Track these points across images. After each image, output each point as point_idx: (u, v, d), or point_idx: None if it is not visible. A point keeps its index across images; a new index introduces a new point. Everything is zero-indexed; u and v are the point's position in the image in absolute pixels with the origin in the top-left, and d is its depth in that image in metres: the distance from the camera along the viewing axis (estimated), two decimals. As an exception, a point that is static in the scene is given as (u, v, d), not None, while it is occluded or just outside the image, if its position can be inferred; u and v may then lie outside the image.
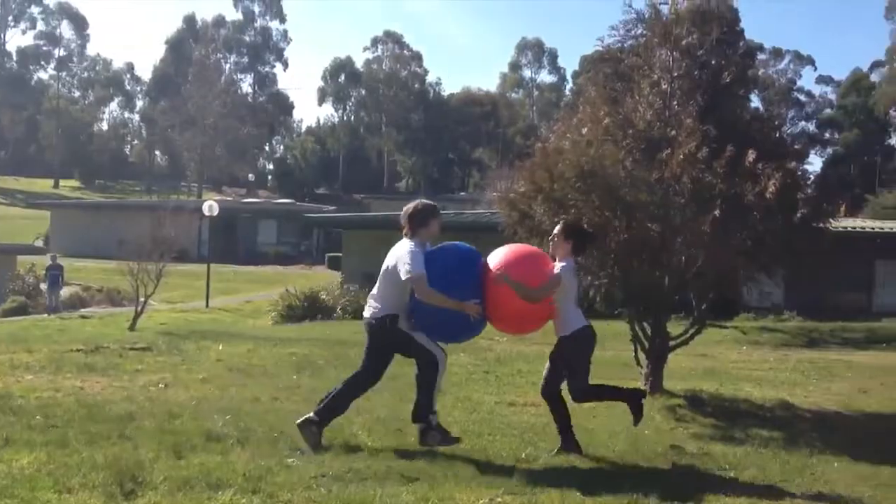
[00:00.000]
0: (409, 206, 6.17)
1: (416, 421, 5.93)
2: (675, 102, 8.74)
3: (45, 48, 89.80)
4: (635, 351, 8.83)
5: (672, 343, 8.76)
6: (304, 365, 10.44)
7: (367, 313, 6.09)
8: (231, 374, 9.52)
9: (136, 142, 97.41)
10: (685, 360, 10.86)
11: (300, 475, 4.96)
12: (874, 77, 72.60)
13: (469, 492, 4.82)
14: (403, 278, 5.76)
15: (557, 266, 5.94)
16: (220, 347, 11.73)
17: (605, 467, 5.66)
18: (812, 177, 9.46)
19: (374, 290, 6.09)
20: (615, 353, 12.12)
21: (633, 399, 6.13)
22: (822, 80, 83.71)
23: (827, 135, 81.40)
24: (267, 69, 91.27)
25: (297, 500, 4.54)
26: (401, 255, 5.87)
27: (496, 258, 6.08)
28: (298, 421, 5.86)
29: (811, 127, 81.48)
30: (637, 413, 6.07)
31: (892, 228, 25.11)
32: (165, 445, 5.54)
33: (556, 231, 6.20)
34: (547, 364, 6.26)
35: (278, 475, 4.95)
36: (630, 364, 9.11)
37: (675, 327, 8.97)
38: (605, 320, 11.39)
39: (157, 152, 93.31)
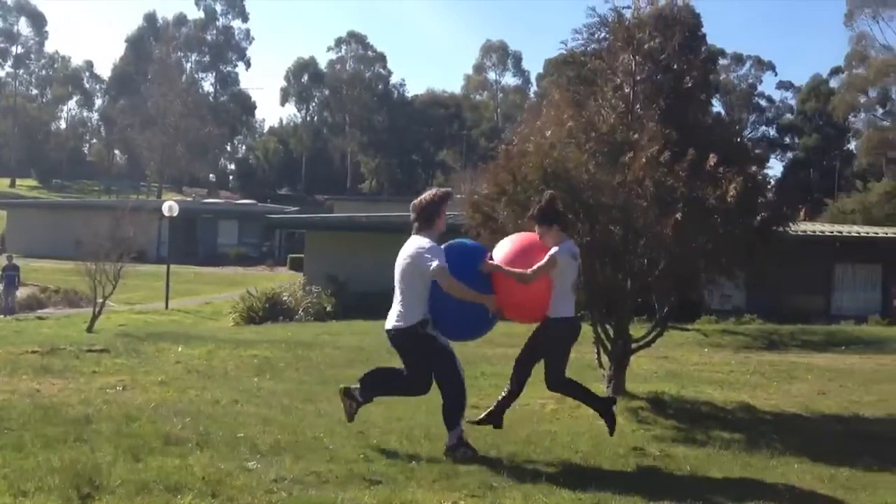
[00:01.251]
0: (415, 201, 6.05)
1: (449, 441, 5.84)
2: (637, 106, 8.79)
3: (1, 45, 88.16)
4: (598, 353, 8.86)
5: (634, 345, 8.81)
6: (265, 367, 10.35)
7: (393, 321, 5.92)
8: (190, 377, 9.39)
9: (94, 141, 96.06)
10: (647, 362, 10.94)
11: (260, 479, 4.89)
12: (833, 83, 73.75)
13: (432, 494, 4.79)
14: (431, 272, 5.66)
15: (553, 249, 5.93)
16: (180, 349, 11.58)
17: (568, 469, 5.66)
18: (772, 181, 9.60)
19: (398, 296, 5.93)
20: (578, 355, 12.16)
21: (606, 407, 6.16)
22: (783, 85, 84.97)
23: (787, 140, 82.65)
24: (229, 68, 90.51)
25: (258, 505, 4.48)
26: (418, 251, 5.78)
27: (504, 248, 6.12)
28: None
29: (771, 132, 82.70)
30: (610, 422, 6.13)
31: (850, 232, 25.58)
32: (123, 449, 5.43)
33: (535, 226, 6.16)
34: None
35: (238, 479, 4.87)
36: (593, 366, 9.13)
37: (637, 329, 9.02)
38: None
39: (117, 151, 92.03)
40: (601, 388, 8.69)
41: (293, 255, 38.16)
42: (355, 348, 12.66)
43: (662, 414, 7.96)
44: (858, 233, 25.91)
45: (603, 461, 5.99)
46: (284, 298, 22.14)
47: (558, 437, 6.75)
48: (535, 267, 5.83)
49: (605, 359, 8.81)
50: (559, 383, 6.16)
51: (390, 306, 6.01)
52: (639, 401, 8.35)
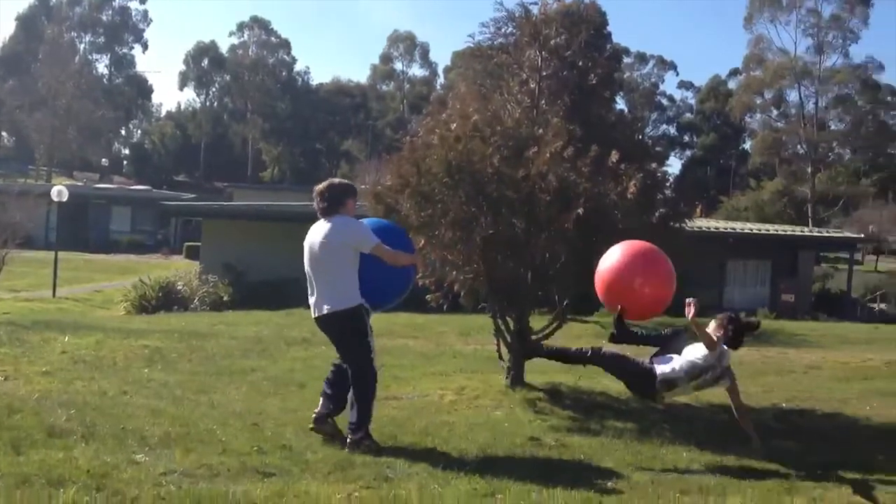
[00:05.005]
0: (323, 185, 6.08)
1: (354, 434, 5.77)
2: (542, 101, 8.87)
3: None
4: (498, 345, 8.92)
5: (534, 337, 8.89)
6: (155, 358, 10.04)
7: (325, 307, 5.84)
8: (77, 367, 9.03)
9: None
10: (546, 354, 11.05)
11: (148, 472, 4.72)
12: (731, 84, 76.45)
13: (326, 486, 4.71)
14: (369, 250, 5.75)
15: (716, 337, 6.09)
16: (66, 339, 11.11)
17: (465, 459, 5.66)
18: (671, 178, 9.84)
19: (325, 280, 5.85)
20: (478, 346, 12.28)
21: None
22: (684, 85, 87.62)
23: (686, 138, 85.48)
24: (125, 50, 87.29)
25: (145, 498, 4.31)
26: (344, 231, 5.82)
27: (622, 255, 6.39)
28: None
29: (672, 130, 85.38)
30: None
31: (742, 229, 26.61)
32: (4, 441, 5.16)
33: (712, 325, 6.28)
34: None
35: (125, 472, 4.69)
36: (493, 358, 9.20)
37: (538, 321, 9.12)
38: (469, 315, 11.55)
39: (4, 133, 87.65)
40: (500, 380, 8.77)
41: (189, 244, 37.23)
42: (252, 338, 12.41)
43: (559, 404, 8.08)
44: (751, 230, 27.01)
45: (499, 451, 6.02)
46: (179, 287, 21.56)
47: (456, 427, 6.77)
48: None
49: (504, 350, 8.88)
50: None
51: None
52: (537, 392, 8.45)
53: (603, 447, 6.38)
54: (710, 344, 5.99)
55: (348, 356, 5.95)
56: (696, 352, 6.12)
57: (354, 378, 5.87)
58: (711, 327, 6.22)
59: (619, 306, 6.34)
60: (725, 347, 6.11)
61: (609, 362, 6.52)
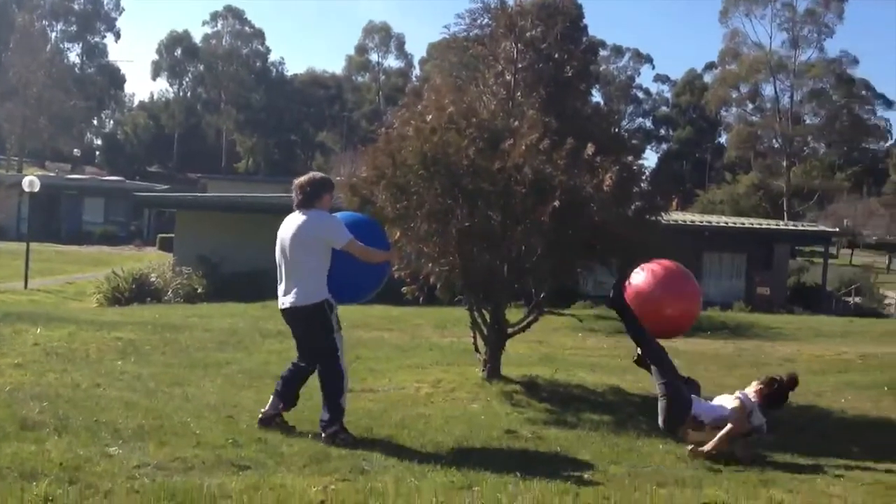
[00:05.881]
0: (303, 179, 6.05)
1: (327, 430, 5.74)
2: (518, 94, 8.87)
3: None
4: (474, 337, 8.92)
5: (510, 330, 8.90)
6: (129, 350, 9.93)
7: (291, 299, 5.83)
8: (49, 359, 8.91)
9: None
10: (523, 346, 11.09)
11: (122, 465, 4.67)
12: (707, 78, 76.85)
13: (302, 479, 4.68)
14: (341, 246, 5.73)
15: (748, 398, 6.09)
16: (39, 331, 10.95)
17: (442, 452, 5.65)
18: (647, 171, 9.87)
19: (294, 272, 5.82)
20: (455, 339, 12.27)
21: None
22: (660, 78, 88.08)
23: (662, 132, 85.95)
24: (97, 39, 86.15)
25: (119, 491, 4.25)
26: (320, 223, 5.79)
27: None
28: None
29: (648, 123, 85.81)
30: None
31: (718, 222, 26.78)
32: (-26, 435, 5.08)
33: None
34: None
35: (98, 465, 4.64)
36: (469, 350, 9.20)
37: (514, 314, 9.13)
38: (445, 307, 11.54)
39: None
40: (477, 373, 8.77)
41: (163, 235, 36.95)
42: (227, 331, 12.32)
43: (536, 397, 8.09)
44: (726, 223, 27.21)
45: (476, 444, 6.02)
46: (152, 279, 21.36)
47: (432, 420, 6.76)
48: None
49: (481, 343, 8.88)
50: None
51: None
52: (513, 384, 8.46)
53: (579, 440, 6.40)
54: (739, 408, 6.02)
55: (313, 351, 5.93)
56: (725, 403, 6.16)
57: (322, 375, 5.87)
58: (751, 388, 6.22)
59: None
60: (756, 408, 6.08)
61: (658, 355, 6.48)
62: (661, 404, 6.30)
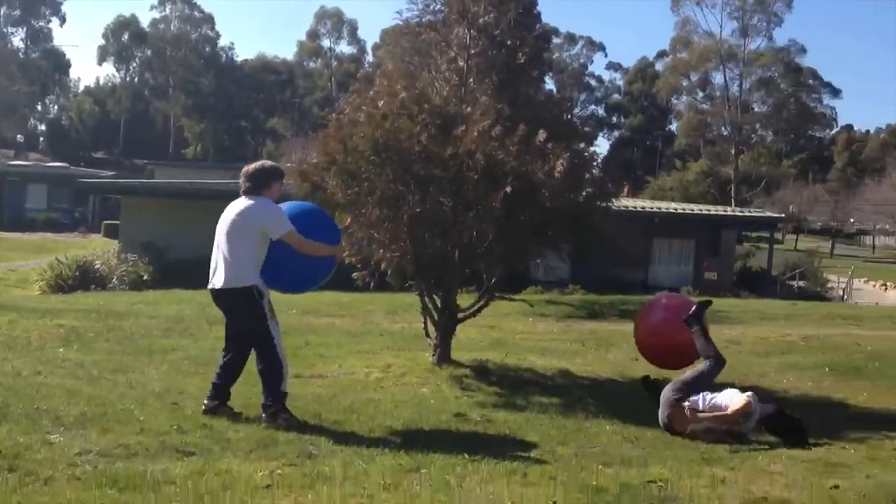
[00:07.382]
0: (252, 166, 5.97)
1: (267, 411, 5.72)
2: (471, 80, 8.86)
3: None
4: (425, 322, 8.91)
5: (461, 315, 8.91)
6: (71, 338, 9.73)
7: (217, 282, 5.77)
8: (-11, 347, 8.70)
9: None
10: (474, 331, 11.11)
11: (63, 452, 4.57)
12: (659, 66, 77.64)
13: (248, 464, 4.63)
14: (277, 237, 5.64)
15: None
16: (-22, 318, 10.70)
17: (390, 436, 5.64)
18: (599, 158, 9.93)
19: (225, 255, 5.75)
20: (406, 325, 12.25)
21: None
22: (612, 66, 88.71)
23: (614, 119, 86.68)
24: (41, 24, 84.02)
25: (59, 478, 4.16)
26: (256, 213, 5.73)
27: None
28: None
29: (600, 111, 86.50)
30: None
31: (668, 209, 27.10)
32: None
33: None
34: None
35: (39, 452, 4.53)
36: (420, 336, 9.19)
37: (465, 300, 9.13)
38: (396, 293, 11.51)
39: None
40: (427, 357, 8.77)
41: (108, 222, 36.23)
42: (173, 318, 12.14)
43: (486, 381, 8.12)
44: (676, 209, 27.53)
45: (425, 427, 6.02)
46: (97, 266, 20.93)
47: (381, 405, 6.74)
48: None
49: (431, 328, 8.88)
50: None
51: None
52: (463, 369, 8.47)
53: (528, 422, 6.43)
54: (744, 405, 6.11)
55: (244, 335, 5.89)
56: (734, 397, 6.26)
57: (260, 364, 5.84)
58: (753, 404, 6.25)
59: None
60: (756, 419, 6.15)
61: (711, 350, 6.75)
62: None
